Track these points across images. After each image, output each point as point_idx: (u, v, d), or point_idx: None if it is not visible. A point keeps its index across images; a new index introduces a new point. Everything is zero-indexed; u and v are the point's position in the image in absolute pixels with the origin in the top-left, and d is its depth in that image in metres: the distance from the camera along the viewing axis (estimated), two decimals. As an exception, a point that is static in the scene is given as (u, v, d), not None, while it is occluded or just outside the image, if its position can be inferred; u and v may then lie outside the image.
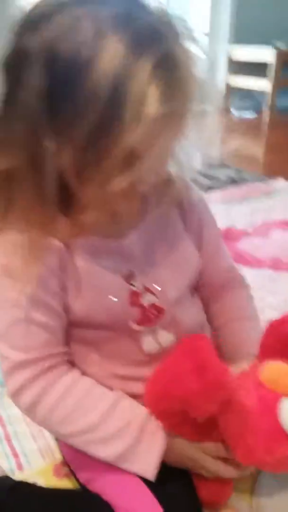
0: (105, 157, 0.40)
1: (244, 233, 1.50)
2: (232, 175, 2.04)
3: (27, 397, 0.51)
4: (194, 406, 0.45)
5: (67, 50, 0.38)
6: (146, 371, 0.53)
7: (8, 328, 0.51)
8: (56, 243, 0.50)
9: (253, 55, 3.39)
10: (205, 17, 3.59)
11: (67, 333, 0.55)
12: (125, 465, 0.51)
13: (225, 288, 0.68)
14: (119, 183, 0.41)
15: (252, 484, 0.63)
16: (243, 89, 3.56)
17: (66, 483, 0.64)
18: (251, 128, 3.25)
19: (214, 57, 3.65)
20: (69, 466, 0.62)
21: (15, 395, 0.52)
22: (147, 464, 0.50)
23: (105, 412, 0.51)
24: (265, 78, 3.25)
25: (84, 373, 0.56)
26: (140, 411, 0.52)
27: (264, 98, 3.42)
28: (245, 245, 1.43)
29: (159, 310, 0.57)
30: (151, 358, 0.56)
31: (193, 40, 0.44)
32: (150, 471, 0.50)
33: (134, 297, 0.55)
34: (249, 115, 3.51)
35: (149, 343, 0.56)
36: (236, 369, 0.57)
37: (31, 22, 0.41)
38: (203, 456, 0.52)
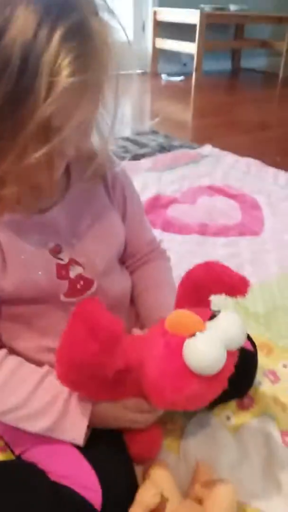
0: (20, 129, 0.39)
1: (173, 200, 1.54)
2: (161, 142, 2.06)
3: None
4: (98, 366, 0.47)
5: None
6: None
7: None
8: None
9: (178, 17, 3.36)
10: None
11: None
12: (55, 435, 0.53)
13: (145, 259, 0.71)
14: (36, 155, 0.41)
15: (179, 439, 0.69)
16: (171, 52, 3.54)
17: (1, 456, 0.65)
18: (179, 92, 3.26)
19: (139, 20, 3.57)
20: (3, 439, 0.64)
21: None
22: (76, 432, 0.53)
23: (31, 389, 0.52)
24: (192, 41, 3.25)
25: (15, 349, 0.57)
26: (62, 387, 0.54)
27: (191, 61, 3.43)
28: (173, 212, 1.46)
29: (86, 281, 0.58)
30: None
31: (109, 11, 0.43)
32: (79, 438, 0.53)
33: (61, 270, 0.56)
34: (177, 78, 3.51)
35: None
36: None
37: None
38: (125, 413, 0.55)
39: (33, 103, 0.38)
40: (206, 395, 0.51)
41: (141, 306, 0.68)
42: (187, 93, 3.22)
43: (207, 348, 0.48)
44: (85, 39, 0.40)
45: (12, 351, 0.57)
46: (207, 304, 0.59)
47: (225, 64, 4.16)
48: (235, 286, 0.56)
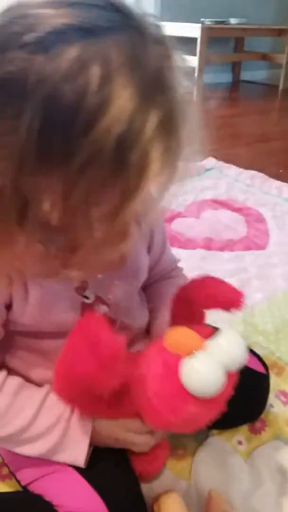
0: (102, 223, 0.36)
1: (176, 214, 1.52)
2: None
3: None
4: (96, 383, 0.45)
5: (69, 93, 0.32)
6: None
7: None
8: None
9: (179, 31, 3.38)
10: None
11: (6, 341, 0.54)
12: (55, 457, 0.52)
13: (163, 277, 0.70)
14: (116, 248, 0.39)
15: (189, 465, 0.67)
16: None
17: (6, 486, 0.63)
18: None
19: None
20: (8, 468, 0.61)
21: None
22: (77, 453, 0.51)
23: (34, 412, 0.51)
24: (193, 54, 3.27)
25: (29, 378, 0.55)
26: (64, 406, 0.52)
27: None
28: (177, 226, 1.45)
29: (109, 320, 0.56)
30: None
31: (189, 75, 0.40)
32: (80, 459, 0.51)
33: (87, 310, 0.54)
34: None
35: None
36: None
37: (31, 44, 0.33)
38: (126, 435, 0.54)
39: (121, 197, 0.35)
40: (203, 417, 0.49)
41: (154, 321, 0.66)
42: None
43: (205, 369, 0.45)
44: (174, 130, 0.37)
45: (26, 379, 0.55)
46: (202, 318, 0.58)
47: (226, 77, 4.18)
48: (229, 301, 0.55)
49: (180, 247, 1.32)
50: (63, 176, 0.34)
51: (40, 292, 0.50)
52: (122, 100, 0.33)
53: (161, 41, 0.37)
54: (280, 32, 3.74)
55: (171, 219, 1.49)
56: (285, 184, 1.79)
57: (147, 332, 0.67)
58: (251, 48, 4.06)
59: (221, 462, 0.68)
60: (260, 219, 1.51)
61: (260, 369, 0.71)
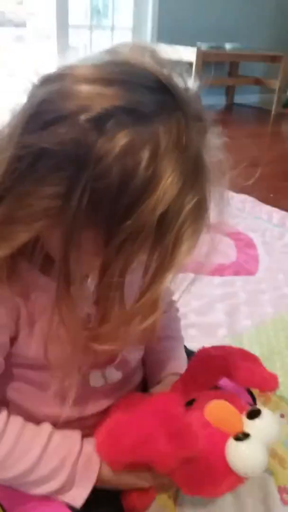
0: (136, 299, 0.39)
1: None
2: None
3: None
4: (160, 464, 0.47)
5: (119, 175, 0.35)
6: (86, 402, 0.55)
7: None
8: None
9: (176, 54, 3.45)
10: (129, 11, 3.59)
11: (6, 375, 0.54)
12: (57, 497, 0.52)
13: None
14: (143, 325, 0.40)
15: (175, 497, 0.67)
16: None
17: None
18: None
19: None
20: (1, 506, 0.61)
21: None
22: (76, 495, 0.51)
23: (38, 455, 0.50)
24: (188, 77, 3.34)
25: (21, 407, 0.55)
26: (71, 445, 0.52)
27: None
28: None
29: (111, 355, 0.56)
30: (95, 391, 0.57)
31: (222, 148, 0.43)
32: (78, 502, 0.51)
33: None
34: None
35: (96, 379, 0.57)
36: (162, 388, 0.61)
37: (86, 123, 0.35)
38: (134, 482, 0.54)
39: (154, 273, 0.38)
40: (235, 487, 0.53)
41: (151, 355, 0.67)
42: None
43: (254, 455, 0.49)
44: (204, 213, 0.40)
45: (21, 410, 0.55)
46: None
47: (220, 99, 4.26)
48: (264, 384, 0.57)
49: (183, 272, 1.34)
50: (103, 251, 0.36)
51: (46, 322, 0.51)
52: (167, 183, 0.35)
53: (201, 117, 0.40)
54: (273, 58, 3.85)
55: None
56: (275, 209, 1.83)
57: (143, 363, 0.68)
58: (246, 73, 4.16)
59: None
60: (250, 245, 1.54)
61: (247, 398, 0.72)
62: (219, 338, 1.06)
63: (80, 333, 0.43)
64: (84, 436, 0.54)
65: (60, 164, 0.36)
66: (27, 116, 0.38)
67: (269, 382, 0.56)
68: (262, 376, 0.56)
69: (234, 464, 0.48)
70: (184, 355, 0.68)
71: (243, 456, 0.48)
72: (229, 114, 4.14)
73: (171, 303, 0.74)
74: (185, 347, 0.77)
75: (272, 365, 0.97)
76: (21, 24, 3.27)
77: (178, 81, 0.40)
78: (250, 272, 1.37)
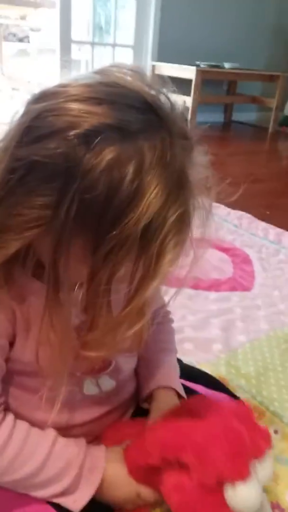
0: (120, 303, 0.41)
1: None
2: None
3: None
4: (203, 471, 0.49)
5: (105, 188, 0.37)
6: (81, 410, 0.56)
7: None
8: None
9: (175, 72, 3.53)
10: (130, 29, 3.66)
11: (5, 381, 0.54)
12: (58, 500, 0.52)
13: (153, 321, 0.72)
14: (130, 331, 0.42)
15: None
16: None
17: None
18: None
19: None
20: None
21: None
22: (80, 498, 0.52)
23: (44, 457, 0.51)
24: (187, 95, 3.40)
25: (21, 415, 0.55)
26: (75, 451, 0.53)
27: (186, 113, 3.57)
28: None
29: (105, 362, 0.58)
30: (89, 399, 0.58)
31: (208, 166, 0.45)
32: (80, 505, 0.52)
33: None
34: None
35: (90, 387, 0.58)
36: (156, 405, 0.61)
37: (75, 139, 0.37)
38: (135, 499, 0.54)
39: (140, 281, 0.40)
40: None
41: (145, 367, 0.68)
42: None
43: (254, 496, 0.49)
44: (187, 225, 0.42)
45: (20, 417, 0.55)
46: None
47: (218, 116, 4.33)
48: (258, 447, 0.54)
49: (168, 285, 1.35)
50: (90, 260, 0.39)
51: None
52: (151, 197, 0.37)
53: (186, 135, 0.42)
54: (271, 78, 3.92)
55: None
56: (271, 226, 1.85)
57: (136, 374, 0.69)
58: (244, 91, 4.23)
59: None
60: (247, 261, 1.56)
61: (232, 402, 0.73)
62: (214, 353, 1.06)
63: (70, 339, 0.45)
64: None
65: (50, 176, 0.38)
66: (21, 130, 0.40)
67: (262, 446, 0.54)
68: (254, 441, 0.54)
69: (232, 502, 0.49)
70: (176, 367, 0.69)
71: (242, 497, 0.49)
72: (227, 131, 4.20)
73: (165, 315, 0.75)
74: (180, 361, 0.78)
75: (266, 381, 0.98)
76: (24, 39, 3.32)
77: (165, 101, 0.42)
78: (246, 288, 1.39)
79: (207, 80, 3.50)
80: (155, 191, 0.37)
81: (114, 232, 0.37)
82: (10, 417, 0.53)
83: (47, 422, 0.55)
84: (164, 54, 3.67)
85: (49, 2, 3.18)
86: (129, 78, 0.42)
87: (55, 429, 0.55)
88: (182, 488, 0.51)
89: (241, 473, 0.48)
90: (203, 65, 3.54)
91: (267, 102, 4.03)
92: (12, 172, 0.39)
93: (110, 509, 0.56)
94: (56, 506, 0.53)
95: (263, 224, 1.87)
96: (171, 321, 0.76)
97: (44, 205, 0.38)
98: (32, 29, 3.31)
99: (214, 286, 1.37)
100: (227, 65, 3.74)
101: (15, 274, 0.47)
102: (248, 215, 1.94)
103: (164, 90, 0.43)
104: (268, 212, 2.02)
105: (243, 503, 0.49)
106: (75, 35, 3.37)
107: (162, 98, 0.42)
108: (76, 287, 0.41)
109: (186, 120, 0.44)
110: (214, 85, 3.98)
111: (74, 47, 3.39)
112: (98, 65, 0.46)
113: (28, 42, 3.32)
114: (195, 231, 0.45)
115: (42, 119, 0.39)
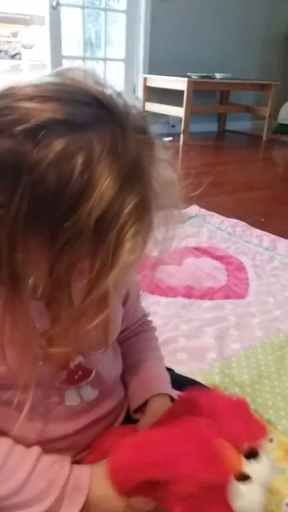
0: (81, 298, 0.40)
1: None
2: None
3: None
4: (180, 485, 0.48)
5: (55, 180, 0.36)
6: (64, 421, 0.55)
7: None
8: None
9: (167, 84, 3.57)
10: (121, 43, 3.70)
11: None
12: None
13: (135, 331, 0.71)
14: (94, 323, 0.41)
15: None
16: (160, 114, 3.71)
17: None
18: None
19: (130, 85, 3.78)
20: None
21: None
22: None
23: (25, 476, 0.50)
24: (179, 106, 3.43)
25: (4, 432, 0.54)
26: (60, 468, 0.52)
27: (179, 123, 3.60)
28: (159, 273, 1.47)
29: (85, 371, 0.57)
30: (71, 410, 0.57)
31: (168, 162, 0.45)
32: None
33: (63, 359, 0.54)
34: (166, 139, 3.65)
35: (71, 398, 0.57)
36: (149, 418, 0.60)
37: (22, 133, 0.37)
38: (124, 509, 0.53)
39: (99, 271, 0.39)
40: None
41: (134, 376, 0.67)
42: (175, 154, 3.34)
43: (257, 498, 0.49)
44: (146, 214, 0.41)
45: (4, 434, 0.54)
46: None
47: (212, 126, 4.36)
48: (253, 436, 0.54)
49: (161, 294, 1.34)
50: (47, 254, 0.38)
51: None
52: (103, 187, 0.37)
53: (142, 130, 0.42)
54: (263, 87, 3.95)
55: (153, 266, 1.51)
56: (266, 233, 1.85)
57: (125, 385, 0.68)
58: (236, 101, 4.27)
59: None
60: (241, 268, 1.55)
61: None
62: (208, 362, 1.05)
63: (34, 335, 0.44)
64: (66, 455, 0.54)
65: (1, 173, 0.38)
66: None
67: (257, 435, 0.54)
68: (250, 430, 0.54)
69: (235, 504, 0.48)
70: (165, 374, 0.68)
71: (245, 499, 0.49)
72: (222, 140, 4.22)
73: (148, 323, 0.74)
74: (172, 370, 0.77)
75: (261, 389, 0.97)
76: (16, 56, 3.36)
77: (117, 99, 0.42)
78: (240, 296, 1.38)
79: (199, 90, 3.52)
80: (106, 182, 0.37)
81: (68, 224, 0.37)
82: None
83: (30, 436, 0.54)
84: (155, 66, 3.70)
85: (39, 19, 3.22)
86: (79, 77, 0.42)
87: (39, 442, 0.54)
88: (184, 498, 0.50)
89: (218, 475, 0.48)
90: (194, 76, 3.57)
91: (260, 111, 4.05)
92: None
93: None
94: None
95: (257, 231, 1.86)
96: (154, 329, 0.75)
97: None
98: (24, 46, 3.35)
99: (208, 294, 1.36)
100: (218, 75, 3.77)
101: None
102: (242, 223, 1.93)
103: (119, 91, 0.43)
104: (263, 219, 2.02)
105: (244, 505, 0.49)
106: (66, 50, 3.41)
107: (114, 96, 0.42)
108: (37, 282, 0.40)
109: (144, 118, 0.44)
110: (207, 96, 4.01)
111: (65, 62, 3.42)
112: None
113: (20, 59, 3.36)
114: (159, 228, 0.44)
115: None
